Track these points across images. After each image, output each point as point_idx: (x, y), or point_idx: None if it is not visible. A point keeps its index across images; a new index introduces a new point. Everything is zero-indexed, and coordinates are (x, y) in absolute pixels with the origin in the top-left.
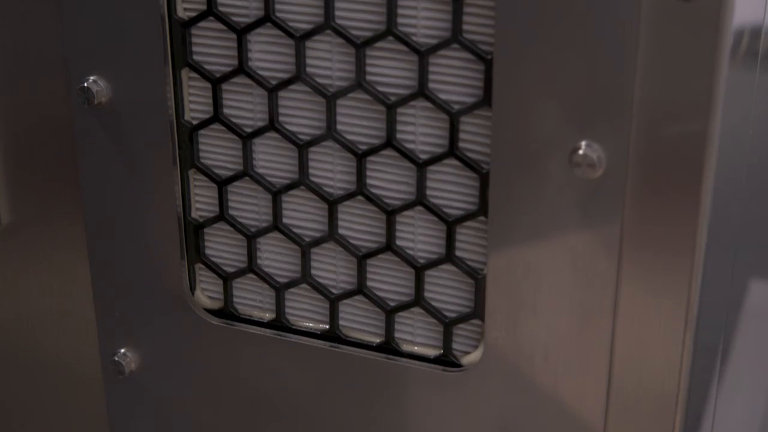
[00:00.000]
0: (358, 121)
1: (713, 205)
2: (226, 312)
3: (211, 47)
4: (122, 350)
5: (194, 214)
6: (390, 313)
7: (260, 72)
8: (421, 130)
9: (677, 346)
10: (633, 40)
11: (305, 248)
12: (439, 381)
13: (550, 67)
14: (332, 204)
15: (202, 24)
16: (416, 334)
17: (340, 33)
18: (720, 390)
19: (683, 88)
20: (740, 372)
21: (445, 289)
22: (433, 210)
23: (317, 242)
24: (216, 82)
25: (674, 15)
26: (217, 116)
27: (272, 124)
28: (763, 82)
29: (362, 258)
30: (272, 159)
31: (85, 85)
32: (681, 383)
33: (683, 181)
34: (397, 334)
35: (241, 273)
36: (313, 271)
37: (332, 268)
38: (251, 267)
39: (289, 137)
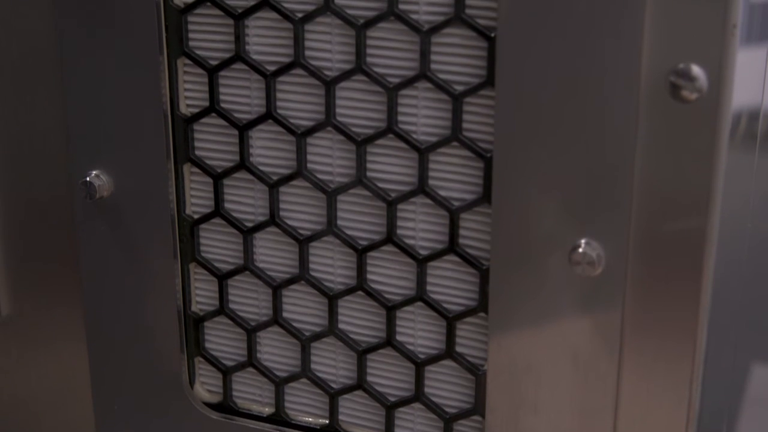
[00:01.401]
0: (359, 217)
1: (713, 289)
2: (226, 406)
3: (213, 142)
4: None
5: (194, 308)
6: (390, 408)
7: (261, 167)
8: (421, 226)
9: None
10: (631, 139)
11: (305, 343)
12: None
13: (548, 166)
14: (332, 299)
15: (204, 120)
16: (416, 430)
17: (341, 130)
18: None
19: (682, 186)
20: None
21: (446, 385)
22: (433, 306)
23: (317, 337)
24: (217, 177)
25: (671, 115)
26: (218, 211)
27: (273, 219)
28: (762, 164)
29: (362, 353)
30: (273, 253)
31: (88, 179)
32: None
33: (683, 277)
34: (397, 430)
35: (240, 367)
36: (312, 366)
37: (332, 362)
38: (251, 361)
39: (290, 232)
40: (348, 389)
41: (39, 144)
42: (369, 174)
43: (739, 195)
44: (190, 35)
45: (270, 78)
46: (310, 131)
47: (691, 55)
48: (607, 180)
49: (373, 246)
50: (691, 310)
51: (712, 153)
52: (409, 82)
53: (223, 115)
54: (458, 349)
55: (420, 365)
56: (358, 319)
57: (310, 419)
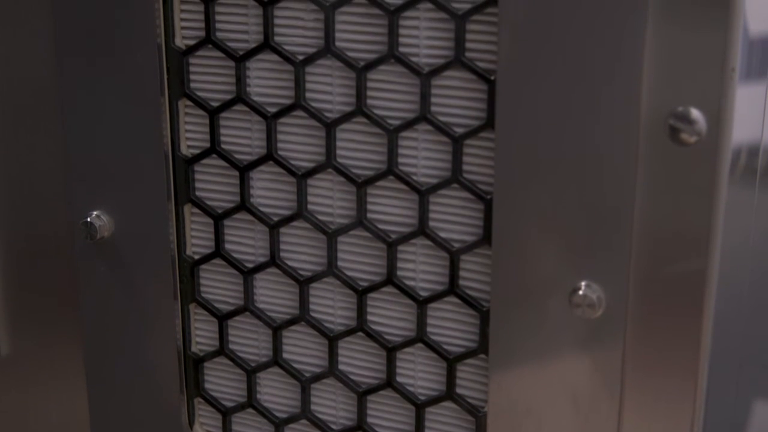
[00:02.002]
0: (359, 258)
1: (714, 325)
2: None
3: (214, 183)
4: None
5: (194, 348)
6: None
7: (262, 208)
8: (421, 267)
9: None
10: (630, 181)
11: (305, 384)
12: None
13: (548, 208)
14: (332, 340)
15: (205, 161)
16: None
17: (341, 171)
18: None
19: (682, 228)
20: None
21: (447, 427)
22: (433, 347)
23: (317, 378)
24: (218, 218)
25: (671, 157)
26: (218, 251)
27: (273, 260)
28: (762, 199)
29: (362, 394)
30: (273, 294)
31: (88, 220)
32: None
33: (684, 317)
34: None
35: (240, 408)
36: (313, 407)
37: (332, 403)
38: (251, 402)
39: (290, 273)
40: (348, 431)
41: (40, 183)
42: (369, 215)
43: (739, 230)
44: (192, 77)
45: (271, 119)
46: (311, 172)
47: (690, 99)
48: (607, 222)
49: (374, 287)
50: (692, 350)
51: (712, 195)
52: (409, 124)
53: (224, 156)
54: (458, 390)
55: (420, 407)
56: (359, 360)
57: None
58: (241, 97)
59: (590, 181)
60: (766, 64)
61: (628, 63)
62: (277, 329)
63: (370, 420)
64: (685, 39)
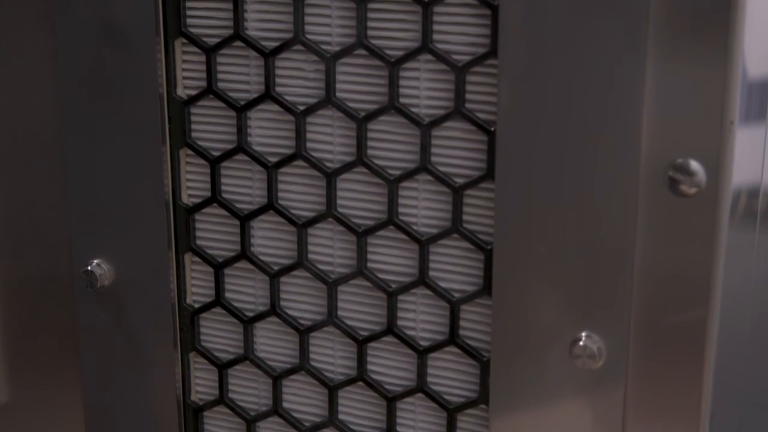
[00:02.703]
0: (359, 307)
1: (715, 368)
2: None
3: (214, 232)
4: None
5: (194, 397)
6: None
7: (262, 257)
8: (421, 317)
9: None
10: (630, 232)
11: None
12: None
13: (548, 259)
14: (333, 389)
15: (206, 210)
16: None
17: (342, 221)
18: None
19: (682, 278)
20: None
21: None
22: (433, 397)
23: (317, 427)
24: (218, 267)
25: (671, 208)
26: (218, 300)
27: (273, 309)
28: (762, 241)
29: None
30: (273, 343)
31: (89, 268)
32: None
33: (685, 367)
34: None
35: None
36: None
37: None
38: None
39: (291, 322)
40: None
41: (41, 231)
42: (370, 265)
43: (739, 273)
44: (193, 126)
45: (272, 169)
46: (311, 222)
47: (690, 150)
48: (607, 273)
49: (374, 337)
50: (694, 398)
51: (712, 246)
52: (409, 175)
53: (225, 205)
54: None
55: None
56: (359, 410)
57: None
58: (242, 147)
59: (590, 231)
60: (766, 106)
61: (628, 115)
62: (277, 378)
63: None
64: (684, 90)
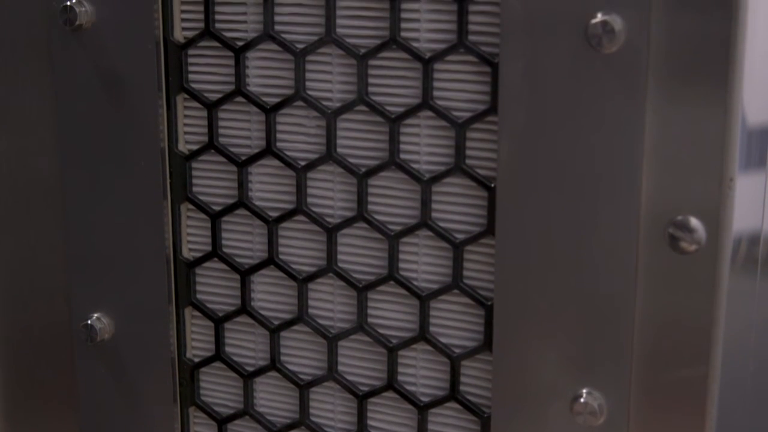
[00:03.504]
0: (360, 363)
1: (717, 418)
2: None
3: (215, 286)
4: None
5: None
6: None
7: (262, 312)
8: (422, 372)
9: None
10: (630, 289)
11: None
12: None
13: (548, 315)
14: None
15: (206, 264)
16: None
17: (342, 276)
18: None
19: (683, 334)
20: None
21: None
22: None
23: None
24: (218, 321)
25: (671, 264)
26: (218, 354)
27: (273, 364)
28: (763, 288)
29: None
30: (273, 398)
31: (89, 322)
32: None
33: (686, 422)
34: None
35: None
36: None
37: None
38: None
39: (291, 377)
40: None
41: (40, 284)
42: (370, 320)
43: (741, 320)
44: (194, 181)
45: (272, 224)
46: (312, 277)
47: (689, 208)
48: (608, 329)
49: (374, 392)
50: None
51: (713, 301)
52: (410, 230)
53: (225, 259)
54: None
55: None
56: None
57: None
58: (243, 202)
59: (590, 288)
60: (766, 153)
61: (627, 171)
62: None
63: None
64: (684, 146)
